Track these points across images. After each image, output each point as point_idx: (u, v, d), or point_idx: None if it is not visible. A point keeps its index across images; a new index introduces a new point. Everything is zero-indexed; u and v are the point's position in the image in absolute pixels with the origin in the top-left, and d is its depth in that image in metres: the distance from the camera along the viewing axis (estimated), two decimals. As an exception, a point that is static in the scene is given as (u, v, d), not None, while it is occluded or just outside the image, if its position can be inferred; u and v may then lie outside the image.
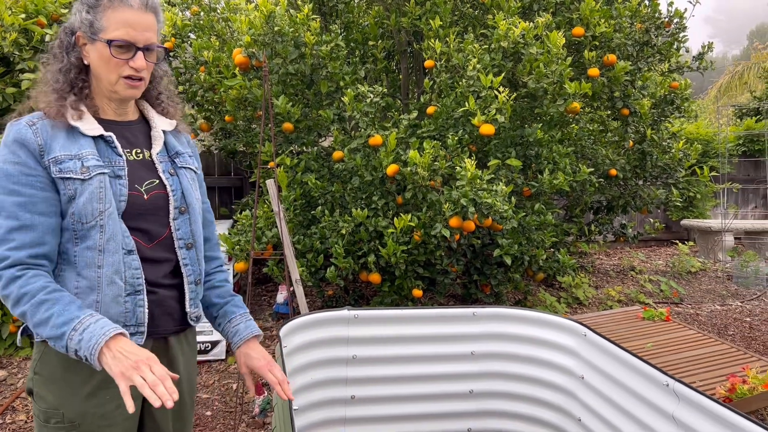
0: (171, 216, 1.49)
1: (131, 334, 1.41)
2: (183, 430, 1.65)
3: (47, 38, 4.14)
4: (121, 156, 1.44)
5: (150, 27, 1.41)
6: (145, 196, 1.45)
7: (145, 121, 1.57)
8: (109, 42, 1.37)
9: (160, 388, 1.18)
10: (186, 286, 1.53)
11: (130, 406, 1.16)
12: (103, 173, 1.38)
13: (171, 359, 1.55)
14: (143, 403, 1.53)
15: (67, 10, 4.35)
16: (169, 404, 1.16)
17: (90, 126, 1.42)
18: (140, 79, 1.44)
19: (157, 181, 1.49)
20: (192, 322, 1.58)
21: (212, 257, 1.73)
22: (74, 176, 1.34)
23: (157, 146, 1.52)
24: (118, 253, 1.38)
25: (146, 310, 1.43)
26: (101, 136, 1.43)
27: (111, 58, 1.38)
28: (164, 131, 1.57)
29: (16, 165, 1.33)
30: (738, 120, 10.90)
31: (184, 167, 1.56)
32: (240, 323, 1.67)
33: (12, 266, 1.30)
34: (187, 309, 1.54)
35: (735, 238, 7.76)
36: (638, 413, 2.29)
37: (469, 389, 2.78)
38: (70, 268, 1.38)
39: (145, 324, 1.43)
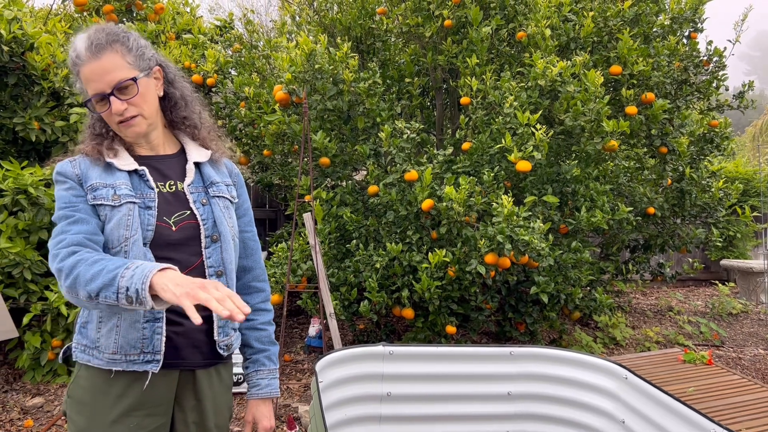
0: (203, 245, 1.51)
1: (147, 362, 1.43)
2: None
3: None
4: (153, 189, 1.49)
5: (108, 68, 1.40)
6: (174, 228, 1.48)
7: (184, 154, 1.61)
8: (84, 104, 1.48)
9: (228, 303, 1.15)
10: (215, 315, 1.53)
11: (197, 318, 1.12)
12: (134, 203, 1.43)
13: (198, 393, 1.55)
14: None
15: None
16: (240, 317, 1.13)
17: (125, 162, 1.49)
18: (132, 117, 1.46)
19: (188, 212, 1.51)
20: (222, 351, 1.56)
21: (257, 289, 1.73)
22: (105, 202, 1.41)
23: (189, 178, 1.56)
24: None
25: (163, 338, 1.44)
26: (135, 171, 1.49)
27: (97, 114, 1.48)
28: (199, 163, 1.60)
29: (67, 190, 1.43)
30: (778, 158, 10.66)
31: (217, 196, 1.57)
32: (265, 378, 1.69)
33: (70, 245, 1.34)
34: (215, 337, 1.53)
35: (778, 280, 7.52)
36: (682, 461, 2.21)
37: (506, 431, 2.72)
38: None
39: (162, 352, 1.44)
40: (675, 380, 3.61)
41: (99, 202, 1.42)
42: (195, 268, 1.50)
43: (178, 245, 1.48)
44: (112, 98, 1.41)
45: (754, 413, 3.17)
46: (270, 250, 4.60)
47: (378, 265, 3.99)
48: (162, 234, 1.46)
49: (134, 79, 1.43)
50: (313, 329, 4.83)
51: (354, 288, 4.18)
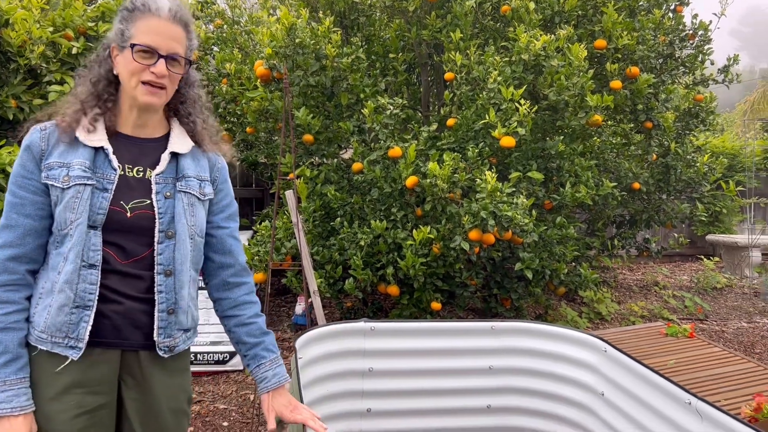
0: (156, 239, 1.47)
1: (70, 347, 1.41)
2: None
3: (74, 51, 4.22)
4: (114, 170, 1.45)
5: (176, 38, 1.45)
6: (129, 214, 1.45)
7: (167, 141, 1.56)
8: (132, 46, 1.41)
9: None
10: (156, 314, 1.48)
11: None
12: (85, 184, 1.41)
13: (145, 375, 1.51)
14: (120, 417, 1.51)
15: (94, 24, 4.44)
16: None
17: (95, 137, 1.45)
18: (161, 87, 1.45)
19: (148, 201, 1.48)
20: (161, 353, 1.51)
21: (237, 283, 1.68)
22: (56, 184, 1.41)
23: (160, 167, 1.51)
24: (74, 263, 1.39)
25: (89, 327, 1.41)
26: (102, 148, 1.46)
27: (132, 61, 1.42)
28: (178, 153, 1.55)
29: (20, 167, 1.44)
30: (765, 134, 10.71)
31: (184, 191, 1.52)
32: (269, 370, 1.65)
33: None
34: (155, 338, 1.49)
35: (762, 254, 7.59)
36: (657, 429, 2.23)
37: (487, 404, 2.74)
38: (45, 268, 1.45)
39: (85, 341, 1.41)
40: (657, 353, 3.64)
41: (51, 183, 1.41)
42: (142, 259, 1.48)
43: (130, 233, 1.45)
44: (162, 60, 1.43)
45: (734, 384, 3.20)
46: (254, 228, 4.58)
47: (363, 243, 3.98)
48: (114, 219, 1.43)
49: (187, 60, 1.50)
50: (300, 307, 4.83)
51: (339, 266, 4.18)
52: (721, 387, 3.16)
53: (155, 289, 1.48)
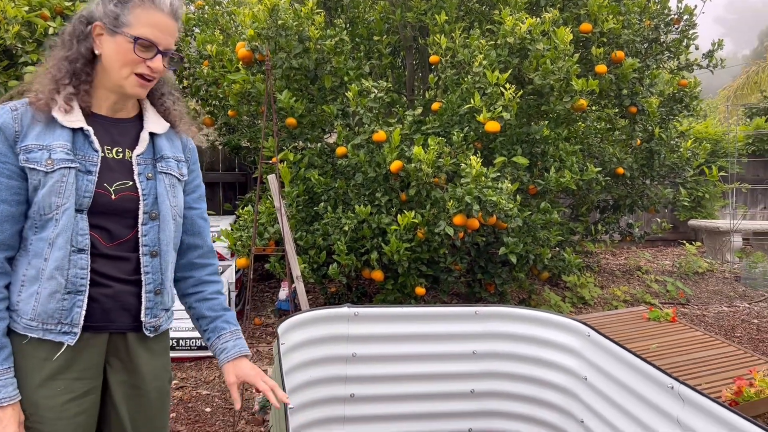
0: (140, 221, 1.46)
1: (64, 333, 1.40)
2: (148, 422, 1.58)
3: (50, 31, 4.11)
4: (96, 152, 1.42)
5: (173, 33, 1.45)
6: (113, 196, 1.43)
7: (140, 120, 1.54)
8: (135, 38, 1.38)
9: None
10: (144, 295, 1.49)
11: None
12: (69, 167, 1.37)
13: (132, 356, 1.51)
14: (104, 397, 1.50)
15: (71, 3, 4.33)
16: None
17: (72, 118, 1.41)
18: (151, 80, 1.45)
19: (131, 183, 1.46)
20: (148, 333, 1.52)
21: (204, 264, 1.68)
22: (38, 167, 1.35)
23: (140, 148, 1.49)
24: (64, 249, 1.37)
25: (83, 312, 1.40)
26: (81, 129, 1.41)
27: (131, 53, 1.39)
28: (154, 134, 1.53)
29: None
30: (748, 120, 10.80)
31: (165, 173, 1.51)
32: (229, 341, 1.64)
33: None
34: (143, 318, 1.49)
35: (743, 239, 7.68)
36: (642, 415, 2.24)
37: (471, 389, 2.74)
38: (24, 254, 1.39)
39: (80, 326, 1.40)
40: (639, 337, 3.66)
41: (31, 166, 1.35)
42: (127, 241, 1.47)
43: (114, 215, 1.44)
44: (160, 56, 1.42)
45: (715, 368, 3.23)
46: (237, 213, 4.53)
47: (347, 228, 3.95)
48: (99, 201, 1.41)
49: (180, 54, 1.51)
50: (283, 292, 4.80)
51: (323, 251, 4.14)
52: (702, 371, 3.18)
53: (142, 270, 1.48)
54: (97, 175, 1.41)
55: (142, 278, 1.48)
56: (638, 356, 2.26)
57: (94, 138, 1.42)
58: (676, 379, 2.05)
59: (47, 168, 1.35)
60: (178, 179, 1.55)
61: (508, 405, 2.75)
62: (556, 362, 2.66)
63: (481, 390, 2.74)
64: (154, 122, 1.54)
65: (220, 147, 6.30)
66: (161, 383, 1.58)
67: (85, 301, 1.41)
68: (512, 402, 2.75)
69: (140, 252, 1.47)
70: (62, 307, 1.39)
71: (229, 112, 4.54)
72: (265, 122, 3.33)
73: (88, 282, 1.41)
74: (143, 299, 1.49)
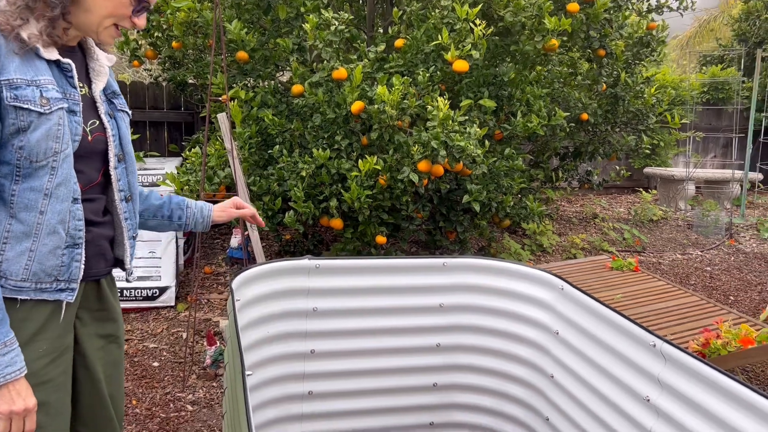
0: (111, 164, 1.37)
1: (60, 290, 1.29)
2: (118, 374, 1.55)
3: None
4: (76, 89, 1.29)
5: None
6: (90, 138, 1.32)
7: (81, 51, 1.38)
8: None
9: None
10: (126, 242, 1.44)
11: None
12: (61, 108, 1.23)
13: (104, 301, 1.47)
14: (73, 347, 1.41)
15: None
16: None
17: (50, 49, 1.24)
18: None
19: (98, 122, 1.35)
20: (130, 277, 1.53)
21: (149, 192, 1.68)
22: (32, 107, 1.19)
23: (101, 83, 1.38)
24: (66, 201, 1.25)
25: (82, 266, 1.31)
26: (57, 63, 1.26)
27: (126, 6, 1.27)
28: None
29: None
30: (702, 68, 10.86)
31: (122, 110, 1.44)
32: (195, 205, 1.71)
33: None
34: (127, 265, 1.47)
35: (695, 187, 7.79)
36: (615, 370, 2.17)
37: (437, 343, 2.62)
38: (3, 207, 1.23)
39: (78, 280, 1.31)
40: (604, 287, 3.62)
41: (23, 106, 1.17)
42: (97, 185, 1.37)
43: (87, 158, 1.32)
44: (146, 13, 1.33)
45: (679, 319, 3.22)
46: (183, 155, 4.21)
47: (304, 173, 3.70)
48: (81, 144, 1.29)
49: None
50: (235, 240, 4.55)
51: (278, 197, 3.90)
52: (667, 321, 3.16)
53: (121, 216, 1.42)
54: (81, 115, 1.28)
55: (123, 224, 1.42)
56: (613, 309, 2.16)
57: (74, 73, 1.29)
58: (659, 336, 1.96)
59: (43, 108, 1.19)
60: (129, 116, 1.48)
61: (476, 359, 2.65)
62: (527, 316, 2.55)
63: (447, 344, 2.63)
64: (101, 53, 1.40)
65: (164, 83, 5.86)
66: (121, 330, 1.56)
67: (83, 254, 1.32)
68: (480, 356, 2.65)
69: (116, 198, 1.40)
70: (61, 263, 1.28)
71: (174, 44, 4.15)
72: (214, 56, 3.01)
73: (84, 233, 1.32)
74: (126, 246, 1.44)
